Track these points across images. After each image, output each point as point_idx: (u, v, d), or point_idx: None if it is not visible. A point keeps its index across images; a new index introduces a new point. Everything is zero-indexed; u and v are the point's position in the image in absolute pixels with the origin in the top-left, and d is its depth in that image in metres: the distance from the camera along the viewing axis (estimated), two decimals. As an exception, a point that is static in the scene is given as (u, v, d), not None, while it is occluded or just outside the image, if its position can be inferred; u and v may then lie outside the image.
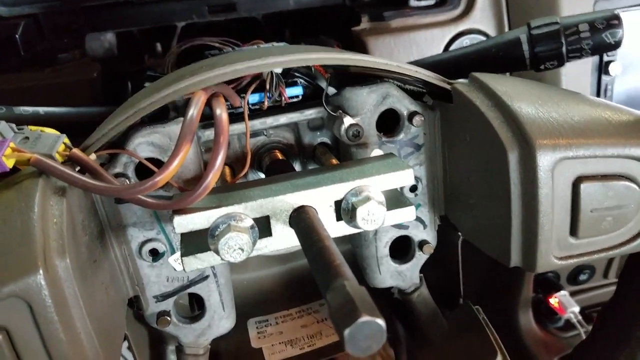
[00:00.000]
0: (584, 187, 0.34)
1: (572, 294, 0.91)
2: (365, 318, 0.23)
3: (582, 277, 0.92)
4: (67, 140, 0.37)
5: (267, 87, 0.44)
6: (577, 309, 0.86)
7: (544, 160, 0.33)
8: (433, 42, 0.71)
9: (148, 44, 0.82)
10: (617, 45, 0.46)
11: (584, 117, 0.35)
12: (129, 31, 0.80)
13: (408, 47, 0.71)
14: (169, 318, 0.45)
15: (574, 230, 0.35)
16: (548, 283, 0.91)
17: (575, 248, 0.36)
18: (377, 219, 0.35)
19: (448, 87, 0.42)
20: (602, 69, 0.68)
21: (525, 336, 0.90)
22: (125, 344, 0.48)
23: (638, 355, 0.40)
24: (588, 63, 0.68)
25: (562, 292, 0.89)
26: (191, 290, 0.45)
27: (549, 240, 0.35)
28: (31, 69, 0.70)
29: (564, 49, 0.46)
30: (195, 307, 0.49)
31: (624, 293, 0.43)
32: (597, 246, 0.36)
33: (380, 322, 0.23)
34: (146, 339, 0.51)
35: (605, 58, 0.68)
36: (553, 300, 0.89)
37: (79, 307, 0.31)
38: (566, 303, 0.87)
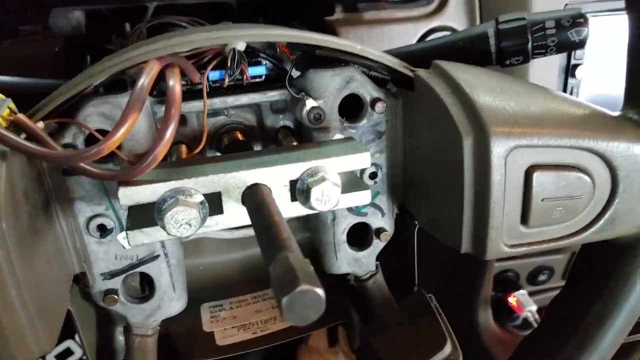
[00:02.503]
0: (536, 175, 0.34)
1: (531, 294, 0.93)
2: (304, 287, 0.22)
3: (542, 277, 0.93)
4: (12, 105, 0.36)
5: (229, 64, 0.43)
6: (534, 307, 0.88)
7: (498, 147, 0.33)
8: (405, 36, 0.71)
9: (117, 24, 0.79)
10: (581, 43, 0.46)
11: (541, 108, 0.36)
12: (98, 9, 0.78)
13: (380, 40, 0.71)
14: (116, 297, 0.43)
15: (524, 219, 0.35)
16: (507, 282, 0.92)
17: (525, 236, 0.36)
18: (331, 200, 0.35)
19: (410, 74, 0.41)
20: (569, 71, 0.69)
21: (483, 333, 0.91)
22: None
23: (585, 346, 0.41)
24: (555, 65, 0.70)
25: (521, 292, 0.90)
26: (140, 269, 0.44)
27: (499, 227, 0.35)
28: (-9, 40, 0.68)
29: (529, 45, 0.46)
30: (146, 288, 0.48)
31: (574, 284, 0.44)
32: (547, 235, 0.36)
33: (319, 291, 0.23)
34: (93, 318, 0.50)
35: (573, 61, 0.70)
36: (512, 299, 0.91)
37: (13, 274, 0.30)
38: (524, 302, 0.89)
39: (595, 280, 0.41)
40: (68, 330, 0.46)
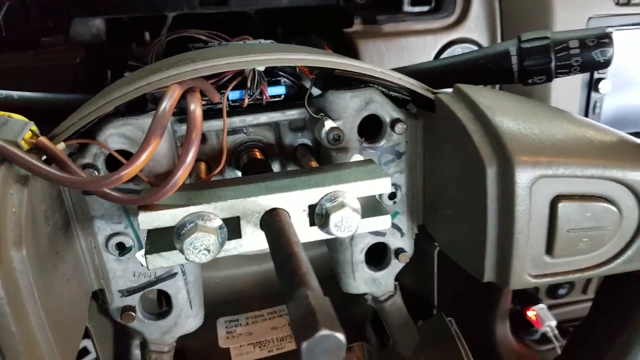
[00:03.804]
0: (561, 206, 0.33)
1: (550, 307, 0.91)
2: (324, 332, 0.22)
3: (561, 291, 0.92)
4: (34, 128, 0.36)
5: (248, 84, 0.43)
6: (554, 322, 0.86)
7: (523, 177, 0.32)
8: (425, 48, 0.71)
9: (137, 33, 0.80)
10: (606, 64, 0.45)
11: (567, 136, 0.35)
12: (118, 18, 0.79)
13: (399, 53, 0.70)
14: (133, 314, 0.43)
15: (549, 249, 0.35)
16: (526, 296, 0.91)
17: (550, 267, 0.35)
18: (350, 226, 0.35)
19: (432, 96, 0.41)
20: (592, 86, 0.68)
21: (501, 347, 0.90)
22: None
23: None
24: (578, 79, 0.68)
25: (540, 306, 0.89)
26: (158, 286, 0.44)
27: (523, 257, 0.34)
28: (13, 50, 0.68)
29: (552, 64, 0.45)
30: (163, 304, 0.48)
31: (599, 312, 0.43)
32: (572, 266, 0.36)
33: (340, 336, 0.22)
34: (110, 333, 0.50)
35: (596, 75, 0.68)
36: (531, 313, 0.89)
37: (34, 300, 0.30)
38: (543, 316, 0.87)
39: (620, 311, 0.40)
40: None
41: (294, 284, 0.26)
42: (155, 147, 0.33)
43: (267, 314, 0.55)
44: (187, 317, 0.46)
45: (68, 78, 0.66)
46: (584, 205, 0.33)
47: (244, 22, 0.82)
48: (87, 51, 0.68)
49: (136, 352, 0.54)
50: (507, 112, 0.36)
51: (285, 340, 0.52)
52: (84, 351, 0.82)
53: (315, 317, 0.23)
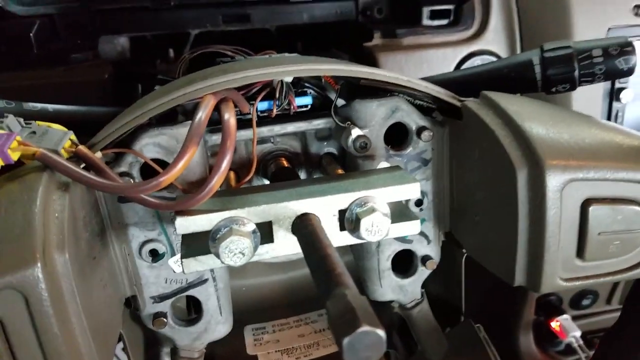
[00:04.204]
0: (592, 209, 0.33)
1: (574, 318, 0.90)
2: (365, 328, 0.23)
3: (585, 301, 0.90)
4: (73, 137, 0.37)
5: (277, 95, 0.44)
6: (578, 333, 0.85)
7: (554, 180, 0.33)
8: (445, 61, 0.71)
9: (161, 50, 0.82)
10: (630, 72, 0.45)
11: (595, 140, 0.35)
12: (142, 36, 0.81)
13: (419, 65, 0.71)
14: (165, 320, 0.44)
15: (580, 253, 0.35)
16: (550, 306, 0.89)
17: (581, 270, 0.35)
18: (381, 230, 0.35)
19: (458, 104, 0.41)
20: (614, 95, 0.68)
21: (525, 358, 0.88)
22: (120, 344, 0.48)
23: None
24: (599, 89, 0.68)
25: (564, 316, 0.87)
26: (189, 293, 0.44)
27: (554, 261, 0.34)
28: (44, 67, 0.71)
29: (576, 73, 0.46)
30: (193, 311, 0.49)
31: (629, 318, 0.42)
32: (603, 269, 0.36)
33: (381, 332, 0.23)
34: (141, 340, 0.51)
35: (617, 85, 0.68)
36: (554, 324, 0.88)
37: (75, 303, 0.31)
38: (568, 327, 0.86)
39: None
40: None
41: (330, 284, 0.26)
42: (192, 155, 0.34)
43: (294, 322, 0.56)
44: (217, 324, 0.46)
45: (97, 93, 0.68)
46: (615, 208, 0.33)
47: (264, 38, 0.83)
48: (115, 67, 0.71)
49: (166, 359, 0.54)
50: (535, 118, 0.36)
51: (312, 347, 0.53)
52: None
53: (355, 314, 0.23)
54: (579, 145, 0.34)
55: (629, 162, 0.34)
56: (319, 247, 0.31)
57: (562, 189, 0.33)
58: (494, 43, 0.71)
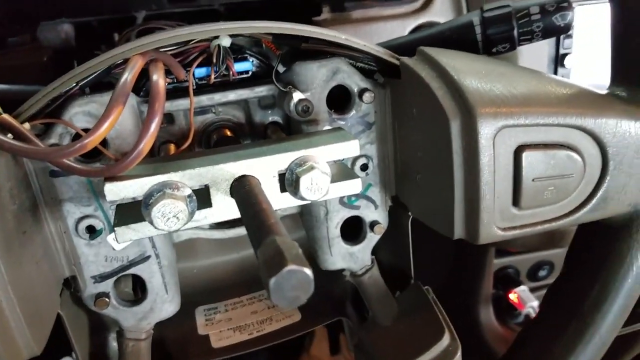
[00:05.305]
0: (525, 155, 0.34)
1: (532, 290, 0.92)
2: (291, 267, 0.22)
3: (542, 272, 0.93)
4: (-4, 106, 0.36)
5: (214, 60, 0.43)
6: (536, 303, 0.87)
7: (485, 128, 0.33)
8: (393, 34, 0.71)
9: (105, 35, 0.79)
10: (566, 28, 0.46)
11: (528, 88, 0.35)
12: (86, 21, 0.78)
13: (368, 39, 0.70)
14: (107, 300, 0.43)
15: (516, 201, 0.35)
16: (508, 279, 0.91)
17: (518, 219, 0.36)
18: (321, 188, 0.35)
19: (396, 62, 0.41)
20: (559, 61, 0.70)
21: (485, 332, 0.90)
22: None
23: (584, 332, 0.40)
24: (544, 55, 0.70)
25: (522, 287, 0.90)
26: (131, 271, 0.43)
27: (491, 210, 0.34)
28: (-22, 53, 0.68)
29: (515, 31, 0.46)
30: (139, 291, 0.47)
31: (570, 271, 0.43)
32: (540, 217, 0.36)
33: (307, 271, 0.22)
34: (86, 324, 0.49)
35: (562, 50, 0.70)
36: (512, 296, 0.90)
37: (0, 274, 0.30)
38: (525, 298, 0.88)
39: (590, 264, 0.40)
40: (65, 346, 0.45)
41: (262, 233, 0.26)
42: (117, 115, 0.32)
43: (247, 299, 0.55)
44: (163, 302, 0.45)
45: (34, 76, 0.65)
46: (547, 153, 0.34)
47: (212, 18, 0.82)
48: (55, 51, 0.68)
49: (113, 344, 0.53)
50: (469, 70, 0.36)
51: (265, 322, 0.52)
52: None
53: (282, 255, 0.23)
54: (511, 92, 0.34)
55: (560, 106, 0.34)
56: (255, 203, 0.30)
57: (494, 136, 0.33)
58: (442, 14, 0.72)
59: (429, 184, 0.39)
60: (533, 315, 0.89)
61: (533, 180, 0.34)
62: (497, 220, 0.35)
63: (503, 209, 0.35)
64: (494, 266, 0.88)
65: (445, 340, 0.43)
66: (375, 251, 0.50)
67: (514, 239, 0.37)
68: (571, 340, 0.41)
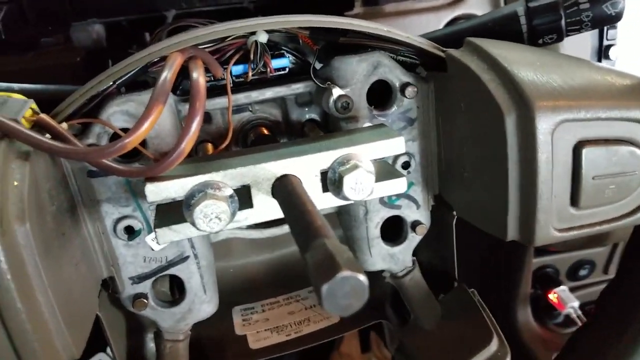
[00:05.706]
0: (585, 151, 0.32)
1: (572, 289, 0.89)
2: (345, 273, 0.21)
3: (582, 272, 0.89)
4: (34, 106, 0.35)
5: (251, 56, 0.42)
6: (576, 304, 0.84)
7: (544, 122, 0.31)
8: (428, 27, 0.69)
9: (136, 34, 0.80)
10: (618, 17, 0.44)
11: (586, 80, 0.33)
12: (116, 21, 0.78)
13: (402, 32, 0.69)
14: (145, 301, 0.42)
15: (575, 200, 0.33)
16: (547, 278, 0.88)
17: (576, 219, 0.34)
18: (365, 188, 0.33)
19: (442, 54, 0.39)
20: (602, 53, 0.67)
21: (523, 332, 0.87)
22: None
23: (641, 340, 0.38)
24: (587, 47, 0.67)
25: (562, 287, 0.87)
26: (170, 271, 0.42)
27: (548, 210, 0.32)
28: (13, 53, 0.68)
29: (562, 21, 0.44)
30: (176, 292, 0.47)
31: (628, 269, 0.41)
32: (599, 217, 0.34)
33: (362, 277, 0.21)
34: (124, 325, 0.49)
35: (605, 42, 0.67)
36: (552, 296, 0.87)
37: (40, 278, 0.29)
38: (565, 298, 0.85)
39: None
40: (99, 342, 0.45)
41: (309, 236, 0.25)
42: (158, 115, 0.31)
43: (283, 300, 0.54)
44: (202, 303, 0.44)
45: (68, 76, 0.65)
46: (609, 149, 0.32)
47: (242, 17, 0.81)
48: (88, 52, 0.68)
49: (151, 345, 0.52)
50: (522, 60, 0.34)
51: (303, 323, 0.51)
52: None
53: (334, 260, 0.21)
54: (568, 84, 0.32)
55: (622, 99, 0.32)
56: (298, 204, 0.29)
57: (553, 132, 0.31)
58: (478, 6, 0.70)
59: (478, 181, 0.37)
60: (574, 315, 0.86)
61: (593, 178, 0.32)
62: (554, 220, 0.33)
63: (561, 208, 0.33)
64: (532, 265, 0.85)
65: (494, 345, 0.41)
66: (415, 252, 0.48)
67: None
68: (629, 346, 0.39)
